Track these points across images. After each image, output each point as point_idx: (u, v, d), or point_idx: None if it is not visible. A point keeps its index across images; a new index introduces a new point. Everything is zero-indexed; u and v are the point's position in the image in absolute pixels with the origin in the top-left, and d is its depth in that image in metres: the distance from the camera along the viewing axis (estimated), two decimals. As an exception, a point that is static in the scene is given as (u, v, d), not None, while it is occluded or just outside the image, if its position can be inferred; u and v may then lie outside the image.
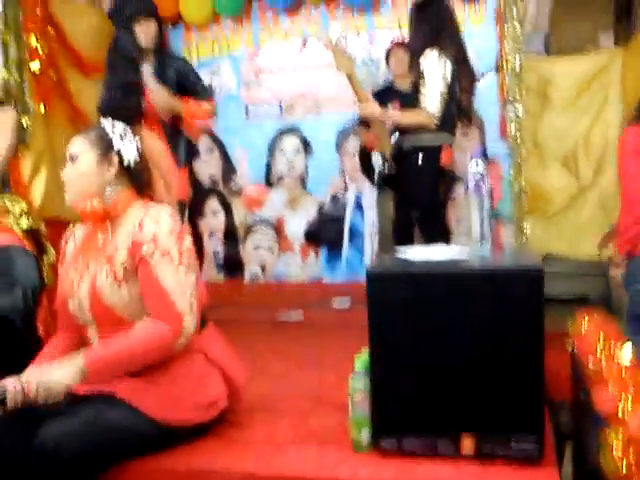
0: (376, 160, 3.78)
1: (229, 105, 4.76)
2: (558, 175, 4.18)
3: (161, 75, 3.03)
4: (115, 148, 1.72)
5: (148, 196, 1.78)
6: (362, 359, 1.82)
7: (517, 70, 3.91)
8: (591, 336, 1.89)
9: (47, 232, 2.83)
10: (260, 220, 4.87)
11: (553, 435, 1.93)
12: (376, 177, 3.85)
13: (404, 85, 3.87)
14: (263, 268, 4.87)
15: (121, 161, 1.73)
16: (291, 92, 4.75)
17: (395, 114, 3.34)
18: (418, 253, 1.95)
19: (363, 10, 4.55)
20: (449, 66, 3.18)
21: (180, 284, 1.60)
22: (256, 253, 4.88)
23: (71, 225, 1.93)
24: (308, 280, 4.76)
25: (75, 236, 1.87)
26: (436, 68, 3.14)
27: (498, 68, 4.24)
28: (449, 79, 3.19)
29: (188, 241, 1.69)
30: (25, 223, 2.64)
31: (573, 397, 2.16)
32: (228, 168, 4.89)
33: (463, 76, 3.31)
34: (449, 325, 1.69)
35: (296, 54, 4.73)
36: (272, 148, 4.85)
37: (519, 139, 4.01)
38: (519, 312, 1.66)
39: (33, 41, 3.56)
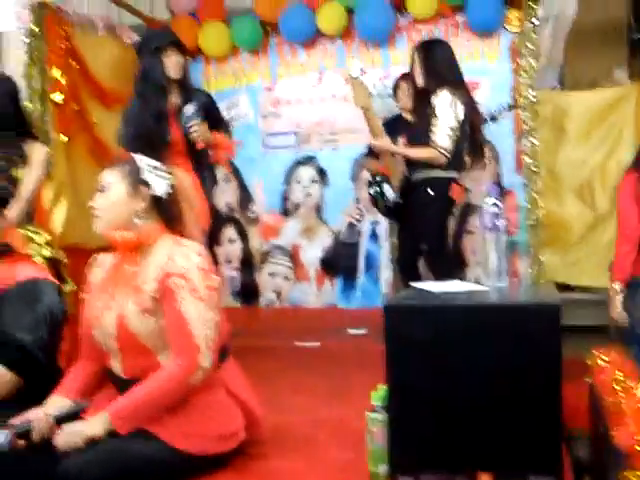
0: (387, 190, 3.84)
1: (247, 135, 4.83)
2: (574, 205, 4.20)
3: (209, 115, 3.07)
4: (146, 182, 1.75)
5: (178, 230, 1.81)
6: (379, 394, 1.83)
7: (532, 103, 3.96)
8: (609, 370, 1.89)
9: (67, 262, 2.86)
10: (276, 248, 4.90)
11: (572, 469, 1.92)
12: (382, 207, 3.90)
13: (411, 116, 3.94)
14: (279, 295, 4.89)
15: (152, 195, 1.76)
16: (308, 123, 4.82)
17: (407, 150, 3.38)
18: (435, 286, 1.97)
19: (378, 45, 4.63)
20: (460, 105, 3.24)
21: (201, 320, 1.64)
22: (272, 280, 4.91)
23: (96, 254, 1.96)
24: (323, 307, 4.78)
25: (101, 265, 1.89)
26: (448, 107, 3.20)
27: (513, 101, 4.28)
28: (461, 118, 3.24)
29: (215, 281, 1.72)
30: (47, 253, 2.68)
31: (592, 430, 2.14)
32: (245, 197, 4.95)
33: (473, 115, 3.35)
34: (466, 359, 1.69)
35: (313, 86, 4.82)
36: (288, 177, 4.91)
37: (535, 170, 4.04)
38: (536, 347, 1.66)
39: (56, 73, 3.67)
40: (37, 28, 3.61)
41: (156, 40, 3.15)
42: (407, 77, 3.97)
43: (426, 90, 3.33)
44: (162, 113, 3.02)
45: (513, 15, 4.32)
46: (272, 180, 4.88)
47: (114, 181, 1.76)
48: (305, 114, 4.83)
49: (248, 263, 4.91)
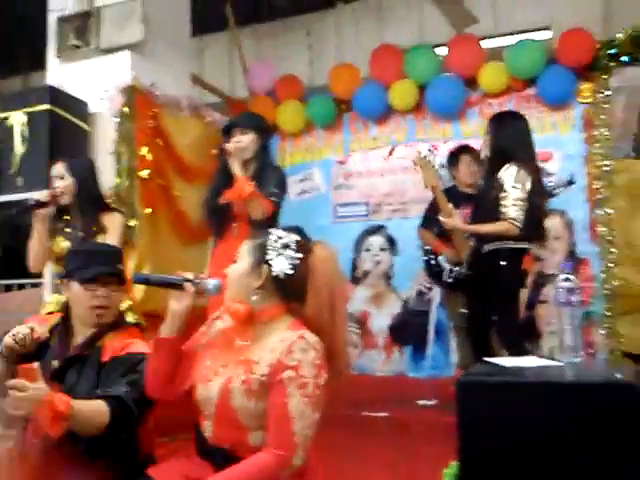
0: (442, 262, 3.90)
1: (318, 206, 5.01)
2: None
3: (260, 182, 3.22)
4: (267, 261, 1.74)
5: (297, 311, 1.76)
6: (451, 471, 1.81)
7: (606, 172, 3.93)
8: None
9: (147, 326, 2.98)
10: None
11: None
12: (444, 279, 3.95)
13: (468, 189, 3.98)
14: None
15: (271, 274, 1.73)
16: (378, 194, 4.95)
17: (479, 227, 3.37)
18: (508, 361, 1.96)
19: (449, 119, 4.72)
20: (528, 179, 3.22)
21: (305, 417, 1.62)
22: (341, 348, 4.92)
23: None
24: (392, 375, 4.75)
25: (221, 319, 1.88)
26: (515, 181, 3.19)
27: (586, 171, 4.28)
28: (528, 190, 3.21)
29: (324, 378, 1.67)
30: (130, 318, 2.82)
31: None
32: (315, 265, 5.03)
33: (539, 192, 3.32)
34: (541, 438, 1.67)
35: (384, 159, 4.95)
36: (358, 246, 5.00)
37: (609, 239, 3.99)
38: (616, 425, 1.62)
39: (144, 151, 3.89)
40: (127, 109, 3.86)
41: (227, 124, 3.41)
42: (468, 150, 4.05)
43: (493, 163, 3.35)
44: (219, 190, 3.20)
45: (585, 87, 4.35)
46: (342, 249, 4.96)
47: (243, 255, 1.78)
48: (376, 186, 4.95)
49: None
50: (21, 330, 1.96)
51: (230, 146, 3.18)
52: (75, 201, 2.99)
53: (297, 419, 1.61)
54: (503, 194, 3.21)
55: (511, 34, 5.08)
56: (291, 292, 1.75)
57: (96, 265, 2.03)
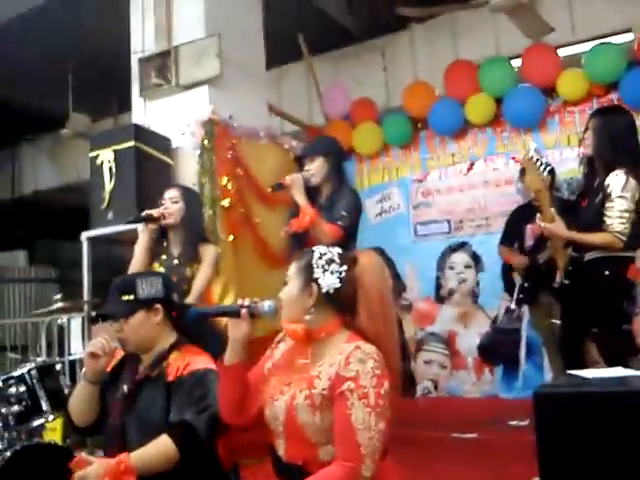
0: (515, 278, 3.83)
1: (398, 225, 5.00)
2: None
3: (330, 206, 3.26)
4: (316, 279, 1.77)
5: (351, 323, 1.79)
6: (534, 488, 1.76)
7: None
8: None
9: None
10: (431, 335, 4.89)
11: None
12: (515, 295, 3.86)
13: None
14: (435, 384, 4.83)
15: (321, 292, 1.76)
16: (459, 210, 4.90)
17: (581, 236, 3.07)
18: (592, 373, 1.89)
19: (529, 130, 4.63)
20: (638, 192, 2.99)
21: (370, 428, 1.62)
22: (428, 369, 4.87)
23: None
24: (483, 397, 4.64)
25: (285, 341, 1.93)
26: (622, 190, 2.96)
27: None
28: (636, 199, 2.98)
29: (386, 387, 1.67)
30: (215, 340, 2.91)
31: None
32: (398, 285, 5.02)
33: None
34: (621, 450, 1.60)
35: (463, 175, 4.91)
36: (441, 264, 4.94)
37: None
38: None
39: (224, 181, 4.02)
40: (207, 141, 4.01)
41: (298, 155, 3.48)
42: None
43: (597, 165, 3.12)
44: (291, 219, 3.24)
45: (670, 87, 4.18)
46: (425, 267, 4.94)
47: (292, 276, 1.82)
48: (456, 202, 4.91)
49: (403, 351, 4.92)
50: (98, 340, 2.08)
51: (287, 180, 3.21)
52: (179, 227, 3.10)
53: (362, 430, 1.62)
54: (609, 204, 2.99)
55: (589, 40, 4.93)
56: (343, 305, 1.77)
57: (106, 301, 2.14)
